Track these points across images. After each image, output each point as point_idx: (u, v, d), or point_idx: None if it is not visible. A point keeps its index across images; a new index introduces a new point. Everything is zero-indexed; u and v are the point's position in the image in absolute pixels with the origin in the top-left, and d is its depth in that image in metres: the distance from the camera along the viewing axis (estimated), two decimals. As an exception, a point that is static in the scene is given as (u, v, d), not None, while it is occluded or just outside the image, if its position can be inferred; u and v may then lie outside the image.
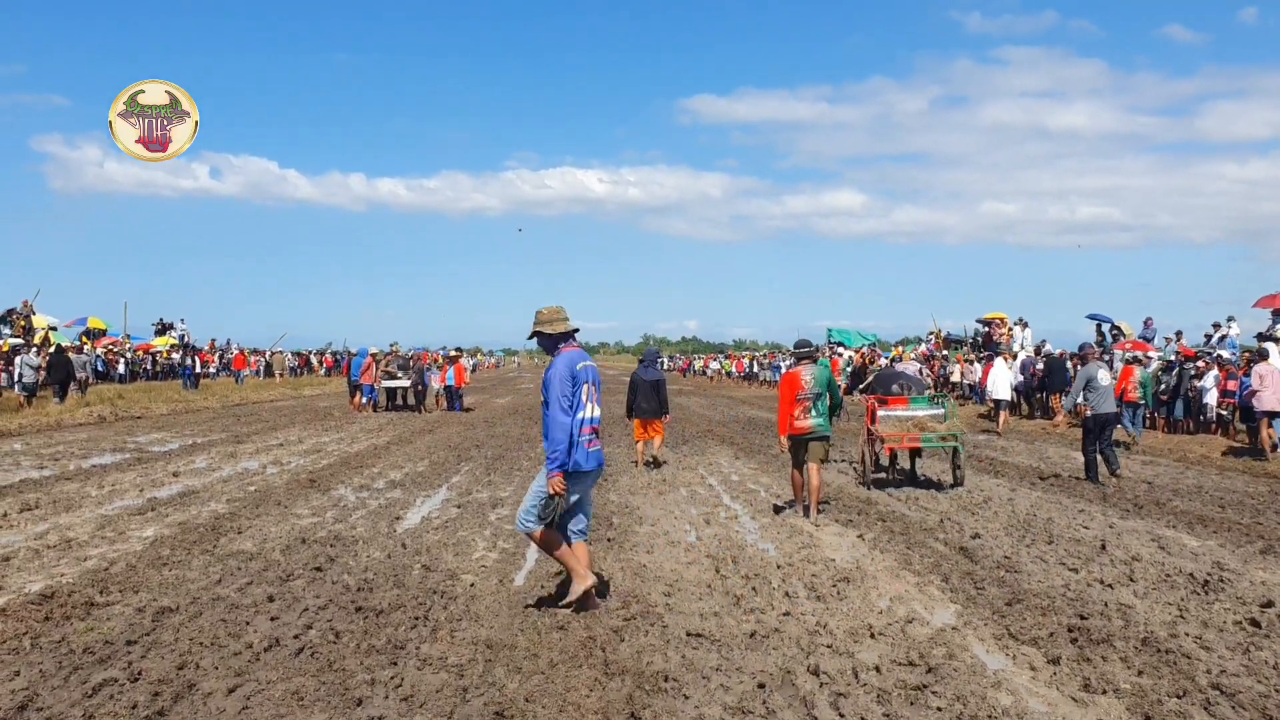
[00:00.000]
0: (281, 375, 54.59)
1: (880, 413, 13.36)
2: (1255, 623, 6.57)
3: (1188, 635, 6.29)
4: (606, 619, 6.44)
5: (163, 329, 52.49)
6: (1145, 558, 8.61)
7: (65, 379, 28.07)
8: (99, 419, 23.51)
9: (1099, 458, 13.59)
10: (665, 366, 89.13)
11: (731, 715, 4.87)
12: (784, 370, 12.53)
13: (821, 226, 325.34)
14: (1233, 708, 5.02)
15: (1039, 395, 26.42)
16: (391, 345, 32.33)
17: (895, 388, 14.06)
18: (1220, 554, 8.89)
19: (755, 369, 57.52)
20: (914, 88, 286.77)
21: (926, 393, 14.65)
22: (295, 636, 6.07)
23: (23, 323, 37.88)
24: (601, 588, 6.97)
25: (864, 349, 39.56)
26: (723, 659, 5.72)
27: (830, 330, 47.44)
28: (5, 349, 29.71)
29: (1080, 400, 13.50)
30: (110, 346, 43.88)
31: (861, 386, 16.34)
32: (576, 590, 6.55)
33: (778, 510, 11.07)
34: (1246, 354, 20.46)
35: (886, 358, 31.00)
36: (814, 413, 10.45)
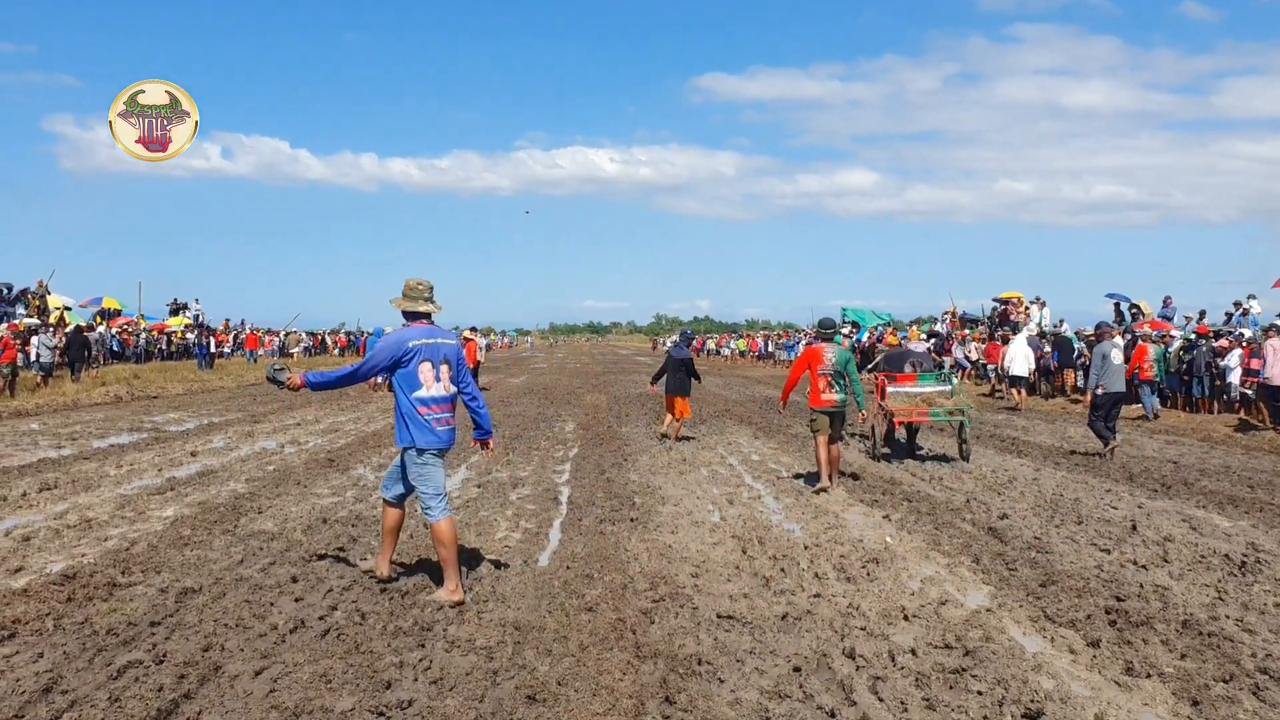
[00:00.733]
0: (296, 355, 54.74)
1: (890, 389, 13.85)
2: (1297, 605, 6.45)
3: (1229, 618, 6.17)
4: (635, 600, 6.35)
5: (177, 309, 52.60)
6: (1178, 538, 8.48)
7: (82, 358, 28.12)
8: (115, 399, 23.52)
9: (1110, 439, 13.90)
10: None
11: (768, 699, 4.77)
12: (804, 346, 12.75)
13: (834, 206, 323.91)
14: (1282, 692, 4.90)
15: (1055, 374, 26.33)
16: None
17: (907, 366, 14.63)
18: (1254, 535, 8.76)
19: (771, 348, 57.25)
20: (927, 65, 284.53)
21: (934, 370, 15.16)
22: (320, 618, 5.99)
23: (38, 303, 37.92)
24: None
25: (877, 327, 39.41)
26: (756, 642, 5.62)
27: (845, 310, 47.13)
28: (21, 329, 29.69)
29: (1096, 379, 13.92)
30: (125, 326, 43.95)
31: (870, 365, 16.82)
32: (455, 595, 6.41)
33: (799, 478, 11.66)
34: (1267, 332, 20.23)
35: (904, 337, 30.90)
36: (836, 388, 10.98)
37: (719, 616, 6.08)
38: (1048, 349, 26.02)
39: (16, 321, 32.39)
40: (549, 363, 58.11)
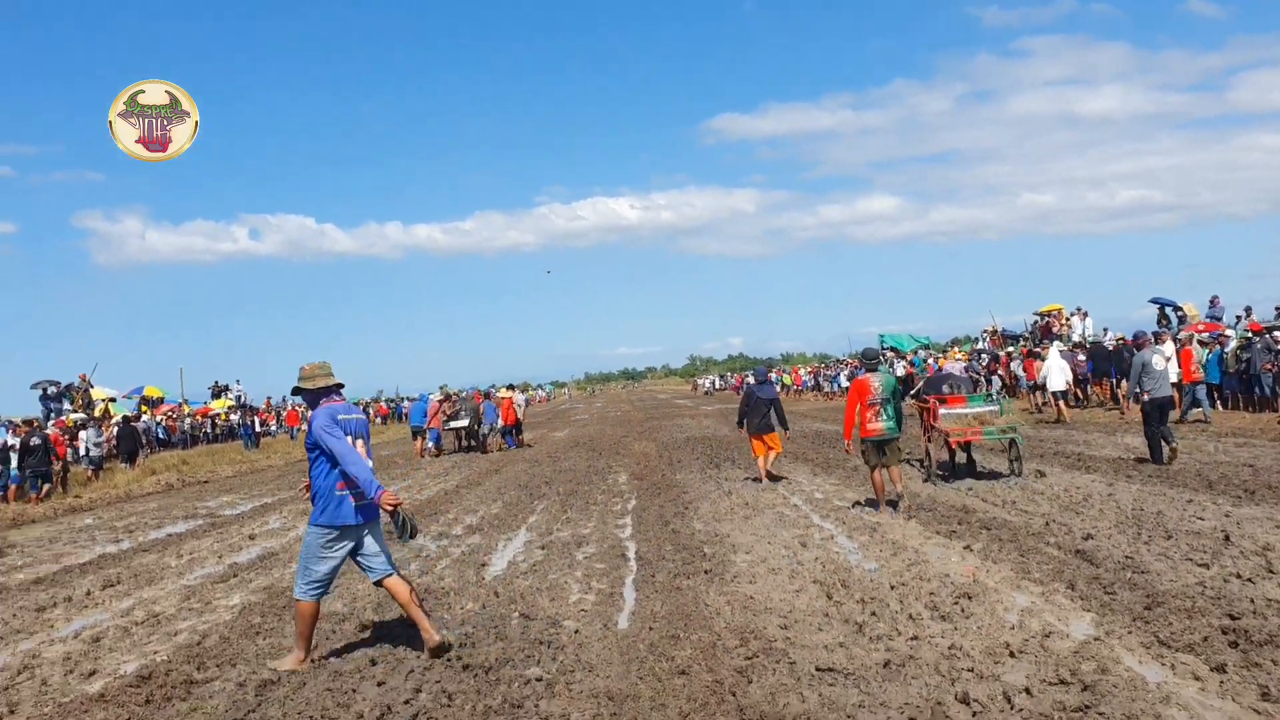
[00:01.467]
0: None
1: (942, 411, 14.09)
2: None
3: (1356, 629, 5.85)
4: (728, 659, 6.11)
5: (219, 391, 52.92)
6: (1278, 547, 8.13)
7: (134, 448, 28.33)
8: (166, 486, 23.55)
9: (1167, 445, 14.01)
10: (718, 387, 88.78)
11: (890, 757, 4.52)
12: (852, 378, 12.95)
13: (858, 233, 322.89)
14: None
15: (1094, 384, 26.54)
16: (440, 387, 32.34)
17: (945, 388, 14.97)
18: (1355, 536, 8.39)
19: (818, 381, 56.73)
20: (937, 87, 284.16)
21: (979, 390, 15.74)
22: (406, 702, 5.79)
23: (82, 397, 38.27)
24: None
25: (916, 350, 39.07)
26: (863, 694, 5.36)
27: (882, 335, 46.97)
28: (70, 424, 29.92)
29: (1138, 387, 14.13)
30: (169, 413, 44.25)
31: (913, 392, 17.28)
32: (296, 664, 6.61)
33: (856, 505, 12.10)
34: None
35: (934, 364, 30.70)
36: (884, 416, 11.44)
37: (818, 670, 5.82)
38: (1081, 359, 25.92)
39: (64, 418, 32.66)
40: (590, 413, 57.97)
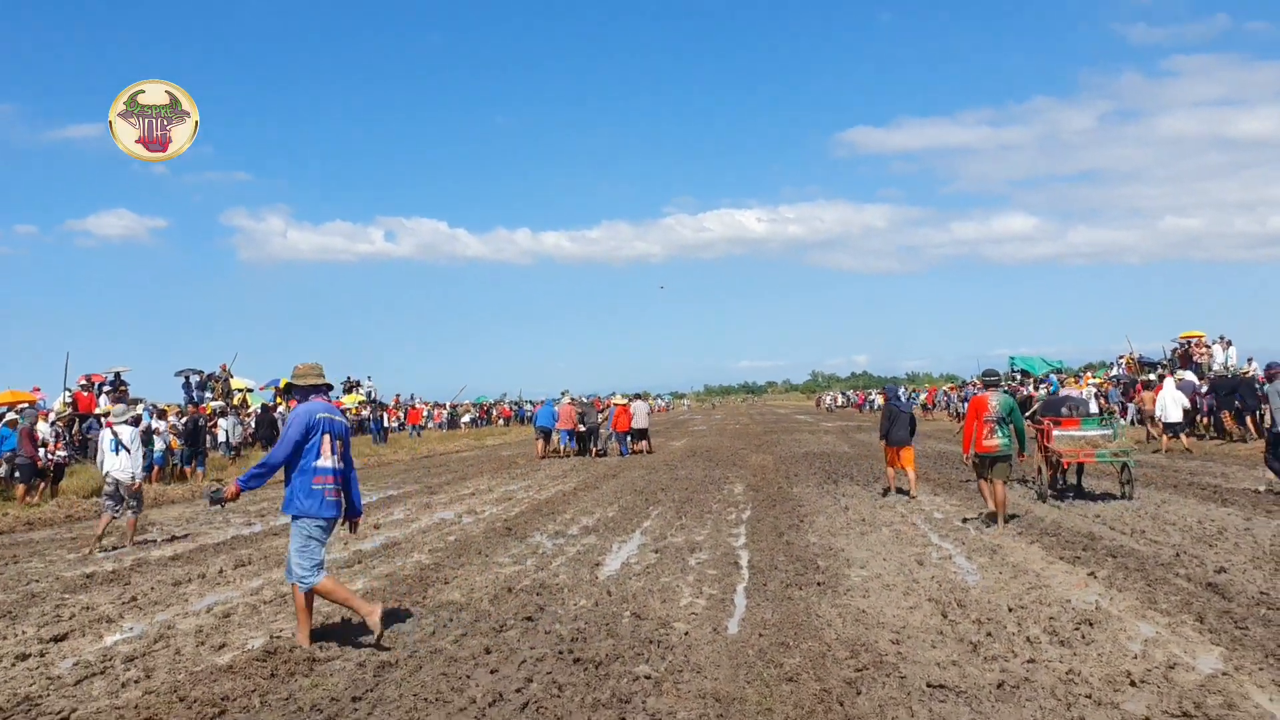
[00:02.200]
0: (465, 427, 56.44)
1: (1056, 433, 14.57)
2: None
3: None
4: (837, 669, 6.07)
5: (350, 386, 54.49)
6: None
7: (273, 435, 29.56)
8: (297, 475, 24.36)
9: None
10: (841, 404, 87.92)
11: (999, 776, 4.44)
12: (973, 396, 13.96)
13: (993, 253, 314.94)
14: None
15: (1210, 416, 25.71)
16: (563, 393, 32.83)
17: (1064, 410, 15.40)
18: None
19: (949, 401, 55.55)
20: (1080, 104, 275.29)
21: (1094, 415, 16.25)
22: (517, 690, 5.91)
23: (222, 386, 39.87)
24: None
25: (1048, 375, 38.03)
26: (974, 713, 5.27)
27: (1013, 358, 45.77)
28: (208, 411, 31.22)
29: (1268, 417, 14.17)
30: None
31: (1029, 413, 17.02)
32: (374, 618, 6.92)
33: (965, 521, 12.52)
34: None
35: (1075, 382, 29.99)
36: (999, 434, 11.94)
37: (929, 686, 5.75)
38: (1203, 389, 25.18)
39: (204, 405, 34.09)
40: (708, 425, 57.96)
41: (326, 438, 7.12)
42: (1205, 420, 26.09)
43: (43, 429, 19.85)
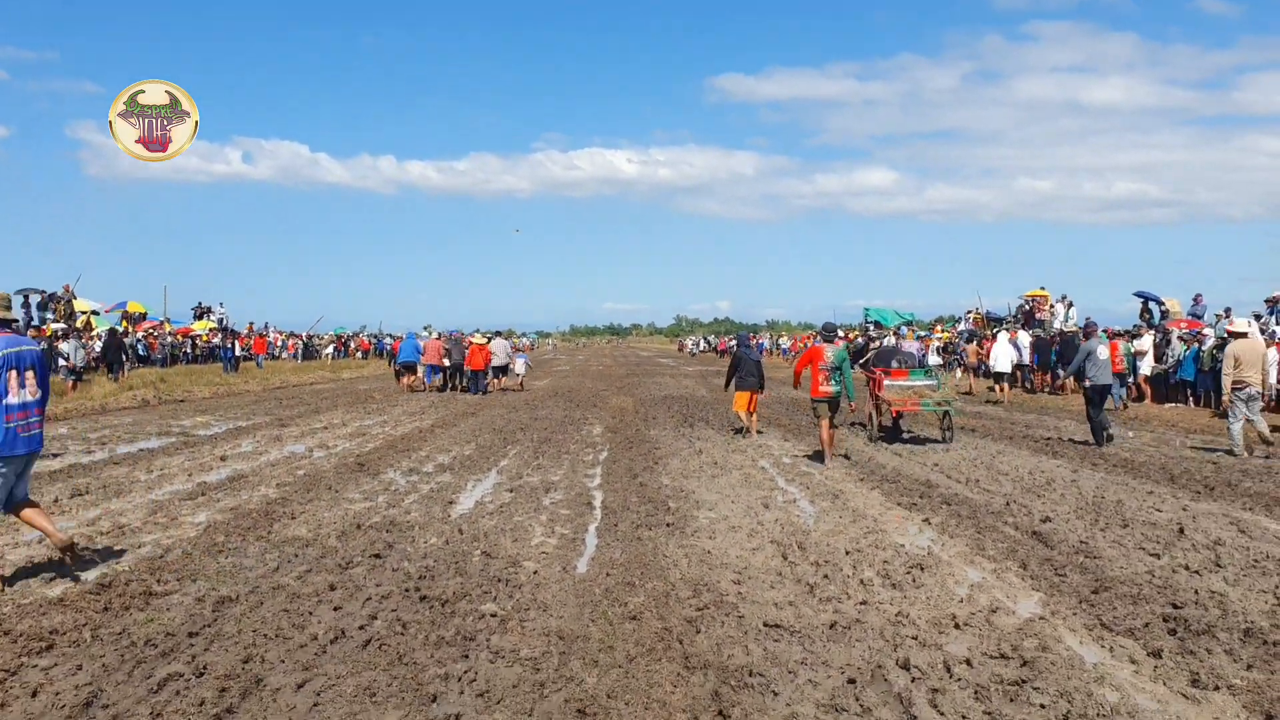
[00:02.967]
0: (328, 359, 55.31)
1: (886, 382, 15.97)
2: (1361, 612, 6.26)
3: (1291, 626, 5.99)
4: (679, 609, 6.22)
5: (202, 313, 52.76)
6: (1228, 542, 8.28)
7: (118, 360, 28.51)
8: (142, 403, 23.57)
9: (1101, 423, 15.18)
10: (702, 348, 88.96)
11: (825, 713, 4.63)
12: (812, 344, 15.44)
13: (854, 205, 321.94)
14: (1359, 705, 4.72)
15: (1035, 372, 28.08)
16: (425, 327, 32.51)
17: (894, 362, 16.83)
18: (1305, 538, 8.55)
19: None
20: (944, 64, 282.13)
21: (922, 367, 17.61)
22: (361, 627, 5.89)
23: (64, 308, 38.11)
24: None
25: (899, 328, 39.24)
26: (807, 652, 5.48)
27: (867, 310, 46.83)
28: (48, 334, 29.82)
29: (1081, 372, 15.40)
30: (150, 330, 44.11)
31: (862, 361, 18.93)
32: (62, 540, 7.02)
33: (807, 458, 13.72)
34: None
35: (902, 335, 31.50)
36: (833, 382, 13.41)
37: (766, 625, 5.94)
38: (1026, 345, 27.84)
39: (45, 326, 32.53)
40: (571, 365, 58.05)
41: (13, 374, 6.88)
42: (1037, 375, 27.77)
43: None
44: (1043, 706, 4.71)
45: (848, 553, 7.90)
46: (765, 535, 8.58)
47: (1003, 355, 25.33)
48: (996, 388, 25.47)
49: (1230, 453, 14.09)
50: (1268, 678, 5.07)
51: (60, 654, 5.42)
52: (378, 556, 7.71)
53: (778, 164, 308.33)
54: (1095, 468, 12.89)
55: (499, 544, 8.21)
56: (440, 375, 28.75)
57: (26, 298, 37.44)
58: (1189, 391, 22.21)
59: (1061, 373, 23.25)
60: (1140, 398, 23.16)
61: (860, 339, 30.54)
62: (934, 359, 31.70)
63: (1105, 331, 25.79)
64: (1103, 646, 5.67)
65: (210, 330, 49.38)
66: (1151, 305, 30.44)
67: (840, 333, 14.63)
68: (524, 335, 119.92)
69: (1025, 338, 28.51)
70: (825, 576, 7.13)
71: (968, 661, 5.35)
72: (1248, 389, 13.98)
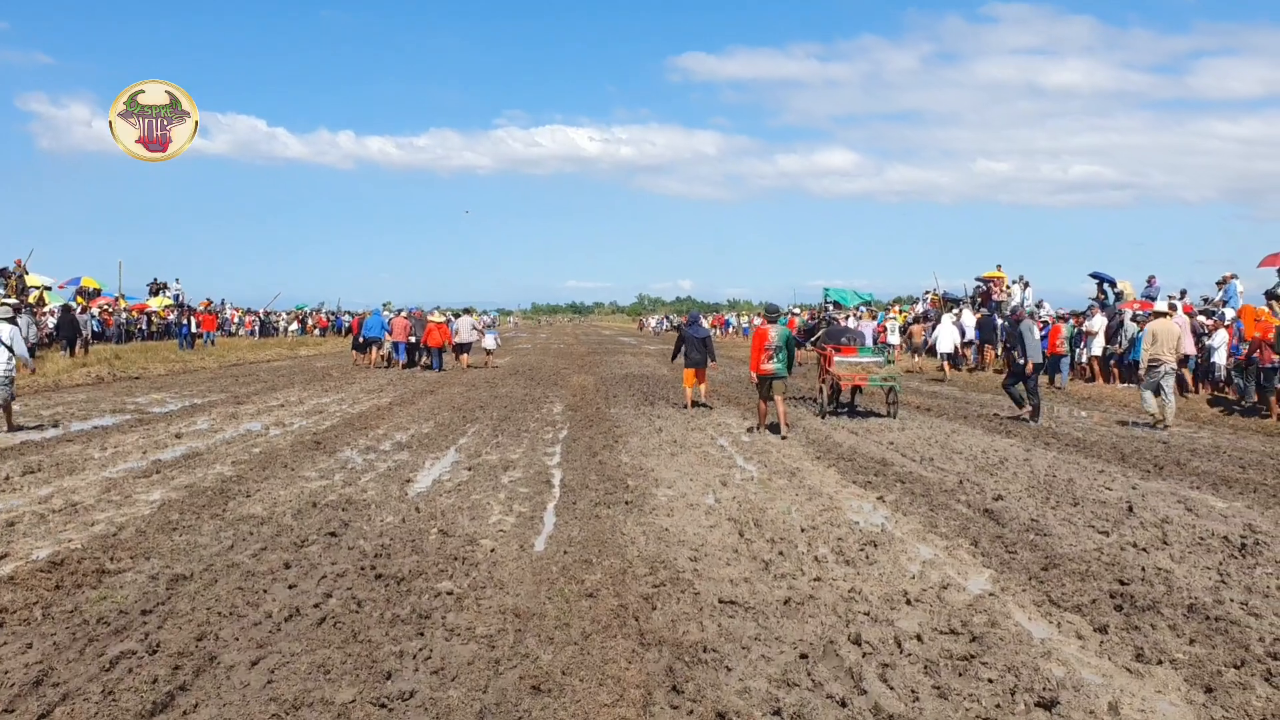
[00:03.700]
0: (292, 335, 54.77)
1: (836, 359, 16.76)
2: (1300, 588, 6.41)
3: (1233, 601, 6.12)
4: (635, 586, 6.26)
5: (157, 289, 52.07)
6: (1175, 520, 8.45)
7: (73, 336, 28.17)
8: (97, 379, 23.26)
9: (1028, 402, 16.00)
10: (666, 328, 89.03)
11: (777, 688, 4.69)
12: (756, 325, 16.12)
13: (814, 186, 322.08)
14: (1295, 678, 4.85)
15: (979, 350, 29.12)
16: (384, 305, 32.43)
17: (844, 339, 17.80)
18: (1250, 516, 8.73)
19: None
20: (905, 45, 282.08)
21: (869, 344, 19.12)
22: (316, 605, 5.88)
23: (16, 283, 37.44)
24: None
25: (859, 308, 39.48)
26: (760, 628, 5.54)
27: (826, 290, 47.10)
28: (0, 310, 29.33)
29: (1015, 351, 16.16)
30: (105, 306, 43.49)
31: (813, 339, 20.07)
32: None
33: (751, 431, 14.40)
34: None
35: (870, 317, 32.15)
36: (776, 360, 14.11)
37: (721, 602, 6.00)
38: (973, 327, 28.94)
39: (-6, 302, 31.99)
40: (533, 343, 57.93)
41: None
42: (982, 354, 28.50)
43: None
44: (990, 681, 4.80)
45: (803, 530, 7.98)
46: (722, 513, 8.64)
47: (945, 336, 26.81)
48: (941, 367, 26.80)
49: (1142, 423, 15.46)
50: (1209, 652, 5.19)
51: (10, 632, 5.37)
52: (333, 535, 7.68)
53: (739, 144, 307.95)
54: (1048, 447, 13.07)
55: (456, 522, 8.21)
56: (406, 353, 28.92)
57: (-24, 272, 36.76)
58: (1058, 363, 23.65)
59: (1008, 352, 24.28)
60: (1091, 377, 23.54)
61: (810, 318, 31.05)
62: (894, 339, 33.05)
63: (1062, 312, 26.72)
64: (1050, 622, 5.77)
65: (166, 307, 48.78)
66: (1106, 287, 30.83)
67: (785, 313, 15.57)
68: (485, 313, 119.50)
69: (970, 318, 29.16)
70: (780, 553, 7.20)
71: (918, 637, 5.43)
72: (1163, 365, 15.00)
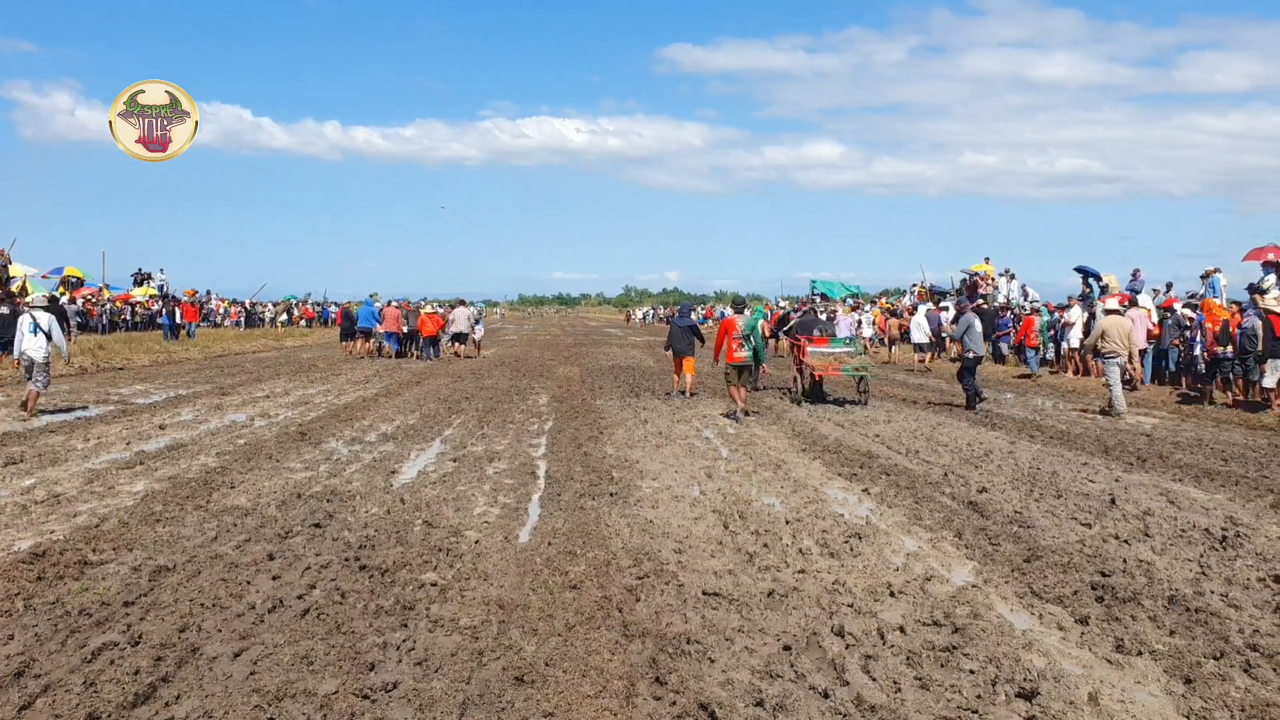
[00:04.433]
0: (280, 325, 54.56)
1: (810, 349, 17.59)
2: (1280, 580, 6.46)
3: (1213, 593, 6.17)
4: (620, 577, 6.27)
5: (142, 279, 51.85)
6: (1157, 512, 8.49)
7: (64, 328, 28.08)
8: (80, 370, 23.14)
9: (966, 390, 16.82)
10: (651, 319, 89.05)
11: (760, 679, 4.70)
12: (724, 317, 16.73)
13: (802, 178, 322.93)
14: (1274, 669, 4.88)
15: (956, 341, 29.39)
16: (371, 295, 32.50)
17: (816, 331, 18.65)
18: (1231, 508, 8.78)
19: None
20: (893, 37, 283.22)
21: (843, 336, 20.34)
22: (299, 597, 5.87)
23: (0, 273, 37.19)
24: None
25: (846, 300, 39.59)
26: (744, 620, 5.55)
27: (814, 282, 47.16)
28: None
29: (960, 342, 17.18)
30: (89, 296, 43.27)
31: (786, 329, 21.25)
32: None
33: (727, 417, 15.00)
34: (1235, 305, 20.36)
35: (848, 311, 32.67)
36: (745, 349, 14.99)
37: (705, 594, 6.01)
38: (949, 319, 28.93)
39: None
40: (519, 334, 57.86)
41: None
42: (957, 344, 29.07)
43: None
44: (972, 671, 4.82)
45: (788, 522, 8.00)
46: (707, 504, 8.66)
47: (918, 328, 27.94)
48: (916, 359, 27.74)
49: (1105, 412, 16.04)
50: (1188, 643, 5.23)
51: (-9, 624, 5.35)
52: (318, 526, 7.67)
53: (727, 136, 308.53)
54: (1033, 440, 13.12)
55: (441, 513, 8.20)
56: (397, 343, 29.56)
57: (-42, 262, 36.49)
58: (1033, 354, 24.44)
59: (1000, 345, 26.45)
60: (1079, 370, 23.66)
61: (802, 311, 31.29)
62: (868, 331, 33.83)
63: (1048, 306, 27.80)
64: (1032, 613, 5.80)
65: (150, 297, 48.57)
66: (1091, 281, 30.95)
67: (750, 304, 16.88)
68: (471, 304, 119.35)
69: (950, 311, 29.49)
70: (765, 545, 7.22)
71: (901, 628, 5.46)
72: (1117, 358, 15.87)
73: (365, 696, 4.46)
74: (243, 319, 56.73)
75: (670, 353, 18.54)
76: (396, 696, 4.48)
